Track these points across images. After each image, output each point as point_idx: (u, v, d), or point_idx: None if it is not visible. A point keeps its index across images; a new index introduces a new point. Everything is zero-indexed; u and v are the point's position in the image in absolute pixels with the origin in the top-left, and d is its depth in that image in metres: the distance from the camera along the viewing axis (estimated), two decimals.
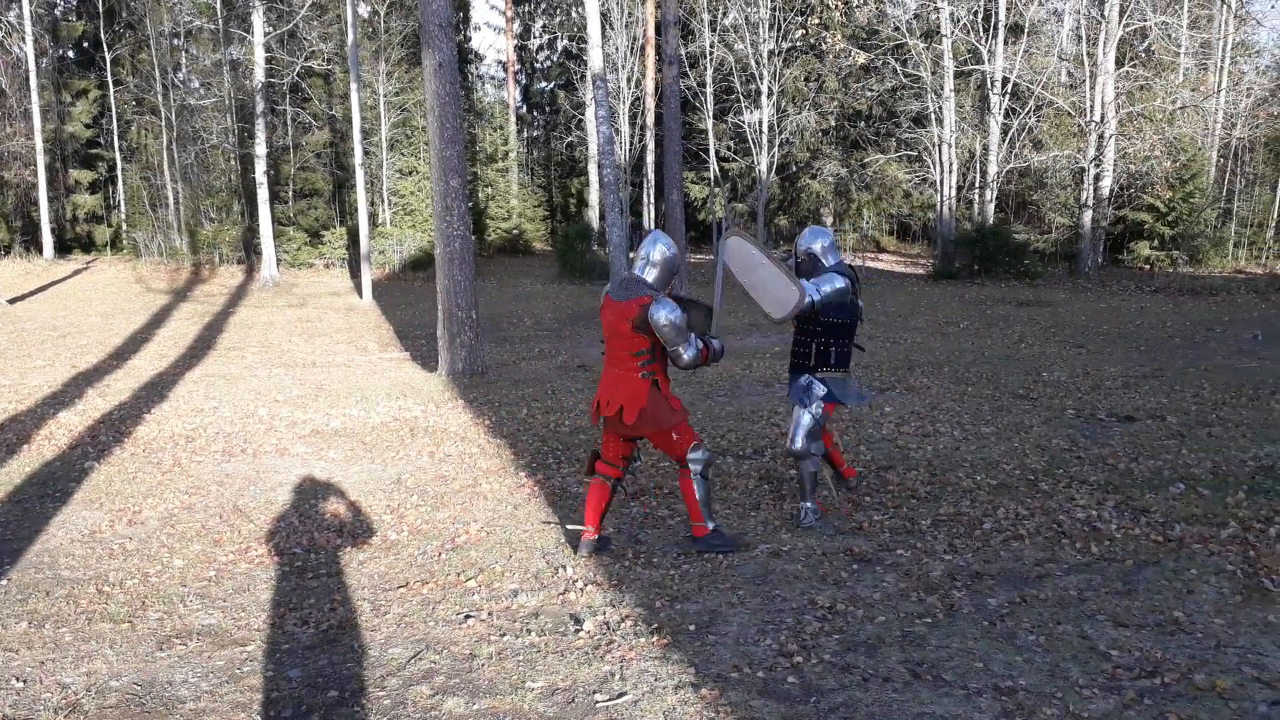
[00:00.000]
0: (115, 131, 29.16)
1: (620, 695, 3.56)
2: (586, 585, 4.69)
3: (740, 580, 4.69)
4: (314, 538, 5.56)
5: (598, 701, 3.53)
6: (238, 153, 27.84)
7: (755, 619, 4.23)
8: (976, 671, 3.68)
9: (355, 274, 23.59)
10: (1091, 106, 24.14)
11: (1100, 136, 23.89)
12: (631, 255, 4.93)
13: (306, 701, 3.63)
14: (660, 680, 3.68)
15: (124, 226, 28.87)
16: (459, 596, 4.61)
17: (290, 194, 28.68)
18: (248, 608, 4.57)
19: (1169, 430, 7.47)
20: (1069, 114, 25.34)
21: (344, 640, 4.17)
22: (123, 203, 29.47)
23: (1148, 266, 24.51)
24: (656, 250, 4.92)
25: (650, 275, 4.91)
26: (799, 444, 5.40)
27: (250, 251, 26.39)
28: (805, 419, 5.40)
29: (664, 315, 4.68)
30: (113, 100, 28.82)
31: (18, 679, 3.83)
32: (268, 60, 23.10)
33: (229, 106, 27.65)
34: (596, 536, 5.08)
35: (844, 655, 3.85)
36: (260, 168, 22.65)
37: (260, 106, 22.65)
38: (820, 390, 5.40)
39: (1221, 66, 28.63)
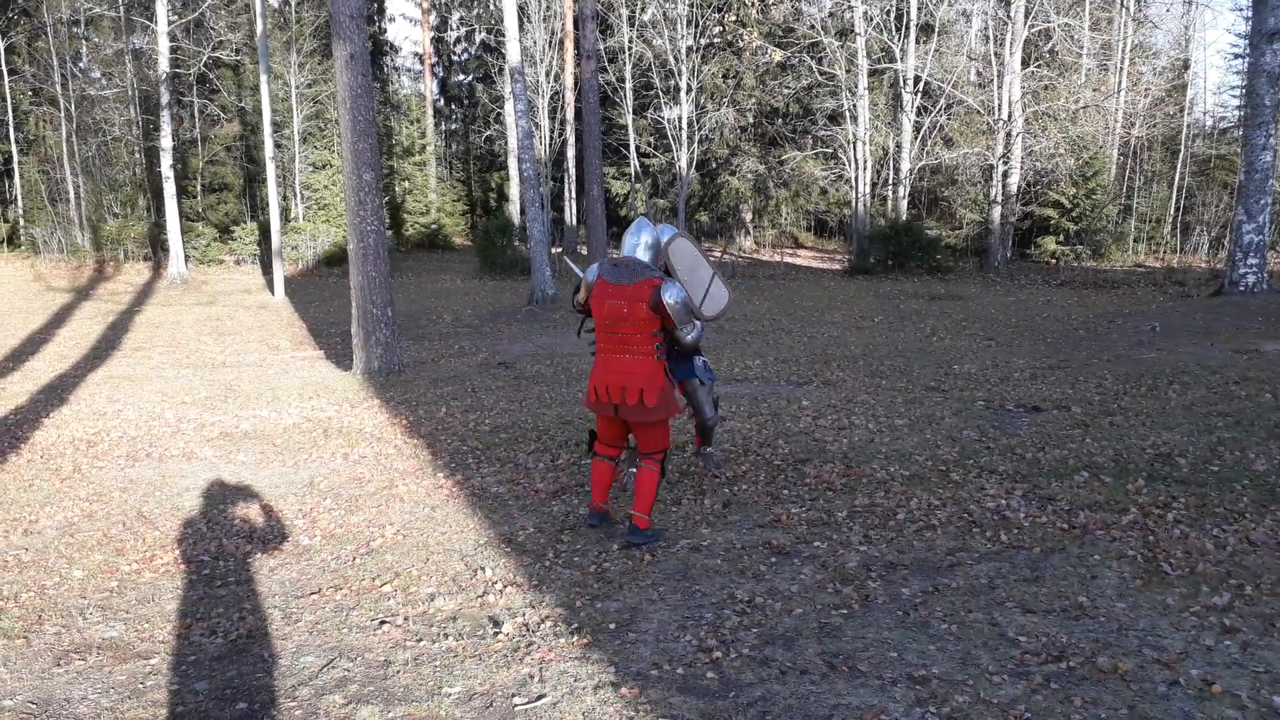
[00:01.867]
0: (10, 123, 27.84)
1: (539, 698, 3.53)
2: (506, 587, 4.63)
3: (661, 576, 4.69)
4: (223, 544, 5.38)
5: (516, 705, 3.49)
6: (142, 145, 26.88)
7: (675, 615, 4.23)
8: (891, 661, 3.74)
9: (267, 270, 22.99)
10: (999, 105, 24.85)
11: (1008, 134, 24.61)
12: (613, 247, 4.97)
13: (214, 715, 3.50)
14: (580, 681, 3.65)
15: (21, 222, 27.61)
16: (374, 602, 4.52)
17: (199, 188, 27.79)
18: (152, 619, 4.40)
19: (1074, 420, 7.72)
20: (978, 112, 26.04)
21: (254, 650, 4.04)
22: (19, 197, 28.18)
23: (1054, 261, 25.35)
24: (649, 234, 5.03)
25: (646, 258, 4.99)
26: (714, 411, 6.23)
27: (157, 248, 25.50)
28: (705, 392, 6.13)
29: (675, 296, 4.85)
30: (8, 90, 27.52)
31: None
32: (173, 50, 22.35)
33: (132, 97, 26.66)
34: (605, 510, 5.40)
35: (762, 649, 3.88)
36: (166, 161, 21.90)
37: (165, 98, 21.88)
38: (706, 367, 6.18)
39: (1121, 67, 29.76)
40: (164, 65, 21.70)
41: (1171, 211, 30.30)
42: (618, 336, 4.90)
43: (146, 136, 26.15)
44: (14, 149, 28.03)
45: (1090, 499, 5.60)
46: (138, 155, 27.39)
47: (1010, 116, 24.47)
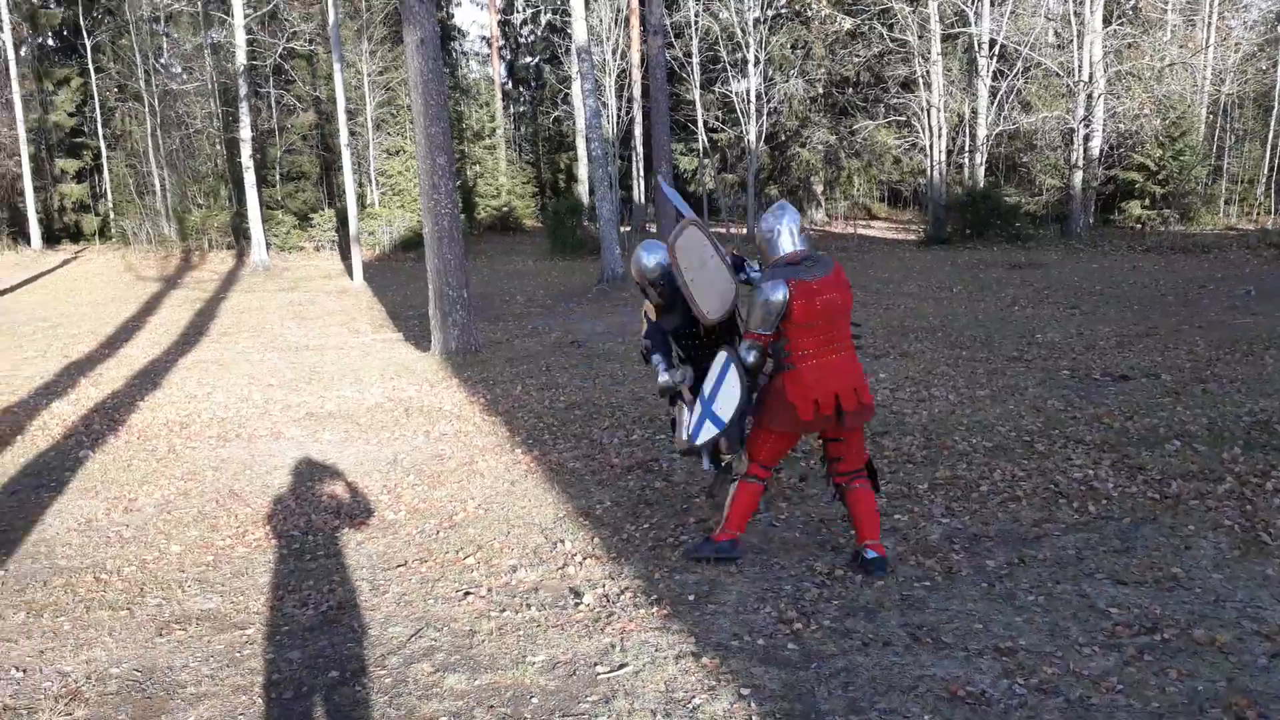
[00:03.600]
0: (99, 119, 28.85)
1: (621, 667, 3.57)
2: (585, 559, 4.69)
3: (739, 550, 4.69)
4: (311, 520, 5.55)
5: (599, 673, 3.53)
6: (223, 137, 27.59)
7: (754, 587, 4.23)
8: (976, 633, 3.69)
9: (345, 256, 23.45)
10: (1079, 66, 24.00)
11: (1089, 96, 23.77)
12: (766, 231, 4.49)
13: (308, 683, 3.63)
14: (661, 650, 3.68)
15: (111, 215, 28.64)
16: (458, 574, 4.61)
17: (277, 177, 28.46)
18: (246, 591, 4.56)
19: (1164, 388, 7.48)
20: (1057, 74, 25.19)
21: (343, 621, 4.16)
22: (109, 191, 29.21)
23: (1139, 226, 24.47)
24: (794, 219, 4.37)
25: (807, 247, 4.38)
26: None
27: (239, 236, 26.20)
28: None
29: None
30: (95, 87, 28.50)
31: (17, 669, 3.82)
32: (249, 42, 22.84)
33: (212, 90, 27.35)
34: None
35: (843, 620, 3.86)
36: (246, 151, 22.45)
37: (244, 90, 22.41)
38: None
39: (1209, 22, 28.48)
40: (241, 58, 22.21)
41: (1265, 171, 28.95)
42: (830, 334, 4.23)
43: (226, 128, 26.84)
44: (103, 145, 29.05)
45: (1183, 468, 5.43)
46: (219, 147, 28.13)
47: (1091, 78, 23.63)
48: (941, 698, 3.22)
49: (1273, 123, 29.25)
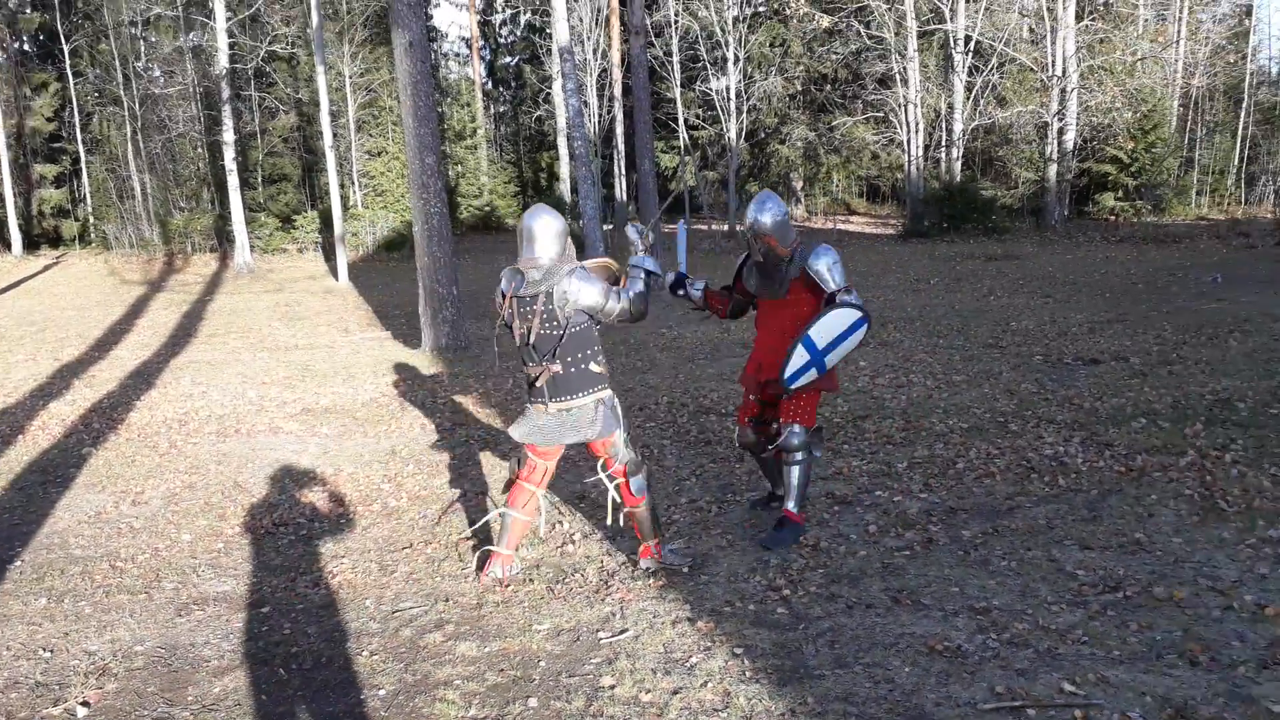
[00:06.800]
0: (77, 124, 28.81)
1: (622, 632, 3.81)
2: (584, 538, 4.92)
3: (729, 525, 4.94)
4: (316, 507, 5.75)
5: (601, 638, 3.77)
6: (205, 140, 27.60)
7: (745, 559, 4.48)
8: (953, 595, 3.95)
9: (330, 257, 23.56)
10: (1053, 61, 24.41)
11: (1062, 90, 24.19)
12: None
13: (326, 653, 3.84)
14: (659, 617, 3.92)
15: (91, 220, 28.61)
16: (462, 554, 4.83)
17: (260, 180, 28.52)
18: (259, 574, 4.77)
19: (1132, 370, 7.78)
20: (1031, 69, 25.59)
21: (356, 598, 4.38)
22: (89, 195, 29.19)
23: (1113, 217, 24.92)
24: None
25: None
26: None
27: (223, 239, 26.24)
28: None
29: None
30: (73, 92, 28.47)
31: (44, 649, 4.01)
32: (231, 45, 22.89)
33: (193, 94, 27.37)
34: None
35: (829, 587, 4.11)
36: (229, 154, 22.51)
37: (226, 93, 22.46)
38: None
39: (1179, 16, 28.97)
40: (223, 61, 22.27)
41: (1235, 162, 29.51)
42: None
43: (208, 131, 26.87)
44: (81, 149, 29.00)
45: (1148, 443, 5.72)
46: (200, 150, 28.14)
47: (1065, 72, 24.04)
48: (920, 652, 3.47)
49: (1243, 115, 29.79)
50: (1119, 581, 3.95)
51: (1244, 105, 29.94)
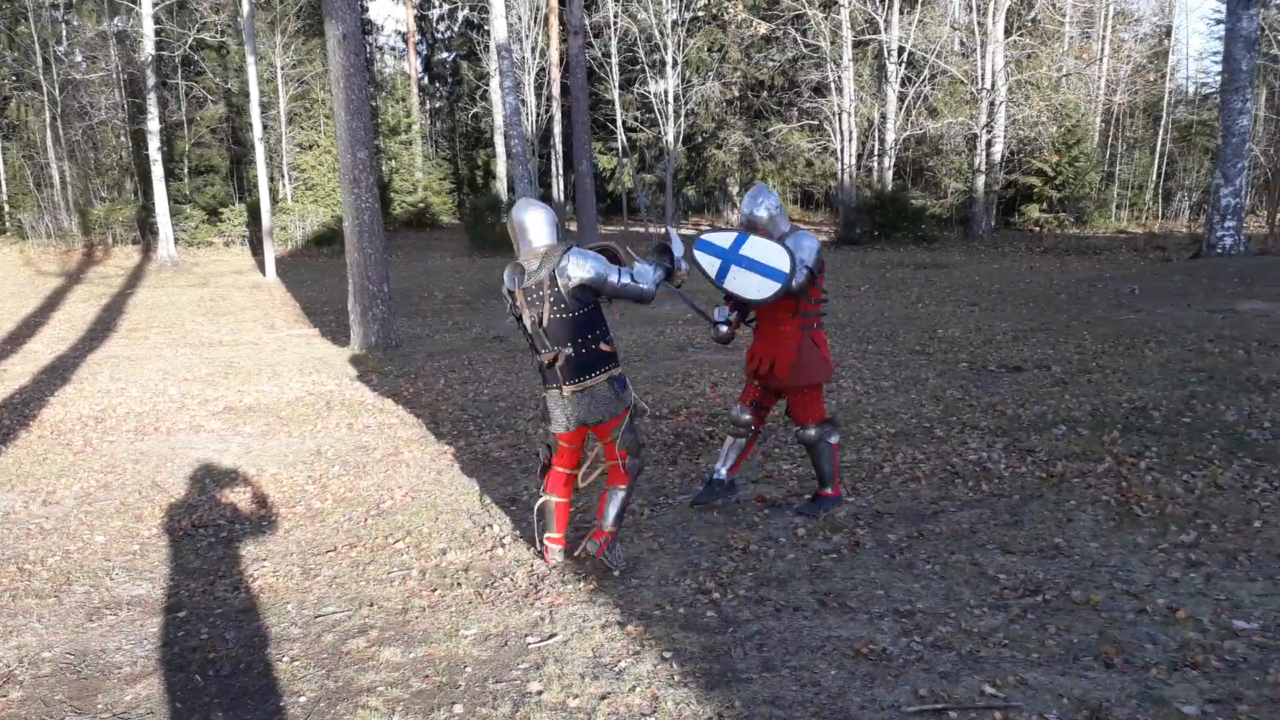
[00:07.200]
0: None
1: (551, 636, 3.77)
2: (513, 542, 4.87)
3: (661, 528, 4.94)
4: (238, 509, 5.60)
5: (529, 643, 3.73)
6: (128, 129, 26.76)
7: (675, 562, 4.48)
8: (879, 598, 4.00)
9: (257, 252, 23.05)
10: (983, 74, 25.00)
11: (991, 104, 24.79)
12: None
13: (245, 660, 3.74)
14: (588, 621, 3.90)
15: (6, 208, 27.51)
16: (388, 557, 4.75)
17: (185, 171, 27.74)
18: (176, 577, 4.62)
19: (1053, 378, 7.98)
20: (962, 82, 26.18)
21: (277, 602, 4.27)
22: (4, 183, 28.06)
23: (1037, 228, 25.62)
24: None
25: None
26: None
27: (146, 231, 25.44)
28: None
29: None
30: None
31: None
32: (157, 32, 22.25)
33: (117, 81, 26.51)
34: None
35: (758, 590, 4.14)
36: (154, 144, 21.86)
37: (151, 81, 21.80)
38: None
39: (1103, 35, 29.93)
40: (149, 48, 21.62)
41: (1154, 177, 30.57)
42: None
43: (132, 120, 26.03)
44: None
45: (1068, 450, 5.87)
46: (124, 139, 27.27)
47: (993, 85, 24.64)
48: (846, 655, 3.51)
49: (1161, 132, 30.86)
50: (1039, 585, 4.05)
51: (1162, 122, 31.02)
